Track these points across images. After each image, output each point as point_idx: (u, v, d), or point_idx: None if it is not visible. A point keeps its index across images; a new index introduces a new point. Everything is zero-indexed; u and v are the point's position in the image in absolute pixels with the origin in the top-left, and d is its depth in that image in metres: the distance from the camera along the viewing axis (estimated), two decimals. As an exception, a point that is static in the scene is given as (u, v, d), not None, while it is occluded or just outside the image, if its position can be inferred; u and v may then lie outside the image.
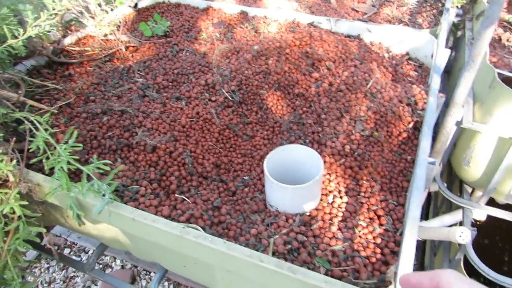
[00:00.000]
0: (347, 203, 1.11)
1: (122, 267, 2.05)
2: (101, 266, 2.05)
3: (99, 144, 1.26)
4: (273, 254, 0.97)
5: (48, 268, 2.07)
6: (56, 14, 1.57)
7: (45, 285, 1.99)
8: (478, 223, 1.82)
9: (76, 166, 0.99)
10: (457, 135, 1.62)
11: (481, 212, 1.53)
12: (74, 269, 1.94)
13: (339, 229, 1.04)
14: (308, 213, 1.08)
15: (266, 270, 0.86)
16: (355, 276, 0.94)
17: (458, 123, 1.37)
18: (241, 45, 1.74)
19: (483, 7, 1.71)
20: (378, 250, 1.00)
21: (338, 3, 2.13)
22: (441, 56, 1.43)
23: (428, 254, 1.94)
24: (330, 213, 1.09)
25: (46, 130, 1.14)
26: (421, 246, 2.02)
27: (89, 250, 2.13)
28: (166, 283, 1.96)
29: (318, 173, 1.02)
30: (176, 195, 1.17)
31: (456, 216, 1.61)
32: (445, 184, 1.63)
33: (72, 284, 2.00)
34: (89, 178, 1.00)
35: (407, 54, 1.81)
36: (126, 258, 2.04)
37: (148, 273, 2.01)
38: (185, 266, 1.18)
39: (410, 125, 1.35)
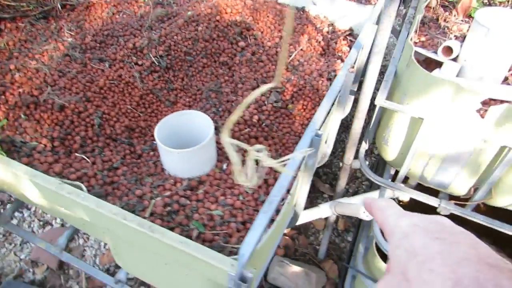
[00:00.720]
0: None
1: (62, 225, 2.10)
2: (41, 223, 2.10)
3: (6, 100, 1.25)
4: (151, 214, 1.00)
5: (-11, 222, 2.11)
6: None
7: (-16, 237, 2.05)
8: (401, 203, 1.87)
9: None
10: (380, 113, 1.63)
11: (398, 192, 1.56)
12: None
13: (224, 195, 1.07)
14: (198, 178, 1.10)
15: (128, 228, 0.89)
16: (226, 240, 0.97)
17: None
18: (179, 11, 1.71)
19: (425, -15, 1.68)
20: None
21: (289, -28, 2.07)
22: (366, 31, 1.42)
23: (360, 232, 1.99)
24: (219, 179, 1.11)
25: None
26: (358, 224, 2.07)
27: (31, 207, 2.17)
28: (102, 243, 2.01)
29: (205, 140, 1.04)
30: (77, 154, 1.18)
31: (375, 194, 1.65)
32: (367, 162, 1.65)
33: (12, 238, 2.05)
34: None
35: (350, 29, 1.79)
36: (42, 210, 2.08)
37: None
38: (83, 224, 1.21)
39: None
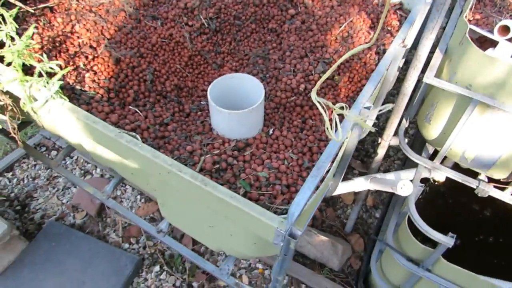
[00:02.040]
0: (285, 137, 1.17)
1: (102, 176, 2.22)
2: (82, 171, 2.23)
3: (67, 49, 1.31)
4: (201, 170, 1.05)
5: (35, 165, 2.25)
6: None
7: (30, 179, 2.19)
8: (437, 183, 1.87)
9: (31, 62, 1.06)
10: (426, 91, 1.61)
11: (435, 172, 1.57)
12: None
13: (270, 158, 1.11)
14: (245, 140, 1.15)
15: (183, 179, 0.94)
16: (271, 201, 1.02)
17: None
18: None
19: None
20: (301, 182, 1.07)
21: None
22: (418, 7, 1.38)
23: (390, 208, 2.01)
24: (265, 143, 1.15)
25: (14, 24, 1.19)
26: (388, 201, 2.09)
27: (74, 156, 2.29)
28: (138, 196, 2.12)
29: (256, 103, 1.07)
30: (130, 107, 1.24)
31: (411, 172, 1.66)
32: (406, 140, 1.65)
33: (55, 182, 2.19)
34: (41, 75, 1.07)
35: (400, 3, 1.74)
36: (106, 169, 2.20)
37: (124, 185, 2.17)
38: (132, 174, 1.28)
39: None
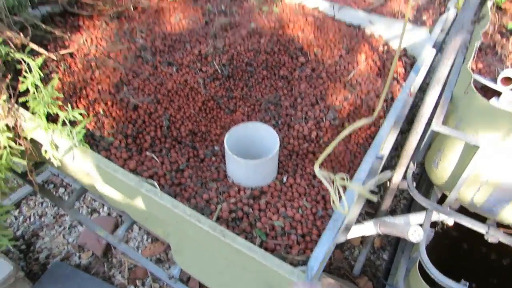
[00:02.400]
0: (299, 184, 1.19)
1: (109, 214, 2.22)
2: (89, 210, 2.22)
3: (87, 95, 1.36)
4: (218, 219, 1.07)
5: (42, 202, 2.25)
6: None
7: (37, 217, 2.18)
8: (446, 227, 1.88)
9: (55, 111, 1.10)
10: (433, 136, 1.65)
11: (443, 216, 1.58)
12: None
13: (284, 206, 1.13)
14: (259, 188, 1.17)
15: (201, 229, 0.96)
16: (287, 251, 1.03)
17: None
18: (241, 21, 1.78)
19: (485, 11, 1.69)
20: (316, 232, 1.08)
21: (349, -10, 2.12)
22: (425, 55, 1.44)
23: (399, 251, 2.00)
24: (280, 191, 1.17)
25: (39, 73, 1.24)
26: (395, 243, 2.08)
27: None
28: (145, 236, 2.11)
29: (271, 153, 1.10)
30: (147, 153, 1.27)
31: (420, 216, 1.67)
32: (414, 184, 1.67)
33: (61, 221, 2.18)
34: (64, 123, 1.11)
35: (405, 50, 1.81)
36: (115, 209, 2.20)
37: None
38: (147, 219, 1.29)
39: (382, 121, 1.40)
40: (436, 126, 1.37)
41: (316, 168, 0.83)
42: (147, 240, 2.10)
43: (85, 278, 1.89)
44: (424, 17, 1.91)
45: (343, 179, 0.77)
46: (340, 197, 0.80)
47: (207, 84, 1.55)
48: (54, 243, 2.10)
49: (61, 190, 2.34)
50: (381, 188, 2.10)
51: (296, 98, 1.46)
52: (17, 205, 2.24)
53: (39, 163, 1.68)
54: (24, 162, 1.22)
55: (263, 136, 1.22)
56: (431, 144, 1.63)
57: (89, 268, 2.00)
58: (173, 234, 1.19)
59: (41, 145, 1.31)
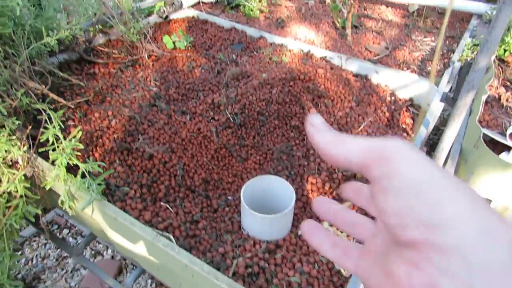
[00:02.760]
0: (314, 238, 1.19)
1: (112, 257, 2.18)
2: (92, 252, 2.19)
3: (103, 144, 1.38)
4: (234, 274, 1.06)
5: (45, 244, 2.22)
6: (89, 17, 1.73)
7: (39, 259, 2.14)
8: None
9: (75, 162, 1.12)
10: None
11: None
12: (68, 250, 2.07)
13: (300, 261, 1.12)
14: (275, 241, 1.17)
15: (219, 287, 0.95)
16: (304, 309, 1.02)
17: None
18: (252, 70, 1.85)
19: (489, 64, 1.76)
20: (332, 288, 1.07)
21: (354, 41, 2.21)
22: (433, 109, 1.49)
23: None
24: (295, 245, 1.17)
25: (60, 124, 1.27)
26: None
27: (85, 235, 2.27)
28: (149, 281, 2.07)
29: (288, 208, 1.11)
30: (161, 203, 1.28)
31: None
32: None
33: (64, 263, 2.14)
34: (84, 175, 1.12)
35: (411, 100, 1.87)
36: (122, 254, 2.17)
37: (134, 267, 2.12)
38: (158, 270, 1.28)
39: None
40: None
41: (325, 223, 0.85)
42: (151, 285, 2.06)
43: (87, 326, 1.83)
44: (429, 68, 1.99)
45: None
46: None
47: (220, 132, 1.59)
48: (56, 287, 2.04)
49: (65, 231, 2.32)
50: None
51: (308, 149, 1.49)
52: (20, 246, 2.21)
53: (49, 208, 1.68)
54: (38, 211, 1.23)
55: (279, 189, 1.23)
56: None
57: (91, 315, 1.94)
58: (185, 286, 1.17)
59: (58, 196, 1.32)
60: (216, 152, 1.55)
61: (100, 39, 1.97)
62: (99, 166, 1.13)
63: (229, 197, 1.39)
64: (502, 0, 0.83)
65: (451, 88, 1.78)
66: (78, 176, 1.10)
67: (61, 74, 1.69)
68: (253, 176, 1.48)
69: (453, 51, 2.15)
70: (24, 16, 1.46)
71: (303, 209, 1.30)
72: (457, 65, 1.72)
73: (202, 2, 2.57)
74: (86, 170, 1.12)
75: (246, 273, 1.06)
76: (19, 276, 2.07)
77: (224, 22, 2.30)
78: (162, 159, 1.39)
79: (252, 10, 2.40)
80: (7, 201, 1.15)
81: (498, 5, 0.87)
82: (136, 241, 1.11)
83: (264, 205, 1.24)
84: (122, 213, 1.10)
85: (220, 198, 1.39)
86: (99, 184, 1.09)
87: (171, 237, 1.09)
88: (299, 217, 1.27)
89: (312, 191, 1.31)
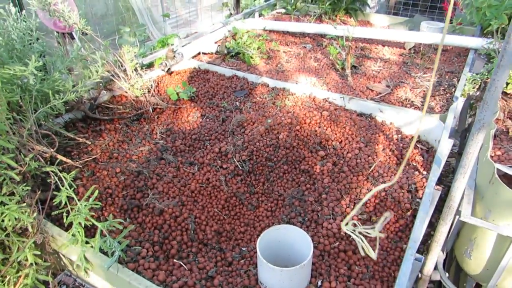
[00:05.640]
0: (335, 288, 1.14)
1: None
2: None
3: (113, 202, 1.37)
4: (255, 334, 1.01)
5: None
6: (94, 78, 1.78)
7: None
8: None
9: (92, 222, 1.10)
10: (460, 224, 1.62)
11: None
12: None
13: (323, 315, 1.07)
14: (295, 295, 1.12)
15: None
16: None
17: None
18: (257, 116, 1.86)
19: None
20: None
21: (355, 81, 2.25)
22: (444, 147, 1.48)
23: None
24: (316, 298, 1.12)
25: (70, 186, 1.26)
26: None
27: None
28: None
29: (306, 259, 1.07)
30: (174, 260, 1.24)
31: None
32: (447, 274, 1.61)
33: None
34: (101, 234, 1.10)
35: (418, 136, 1.87)
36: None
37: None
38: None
39: (409, 213, 1.39)
40: (466, 217, 1.36)
41: (343, 225, 0.83)
42: None
43: None
44: (432, 104, 2.01)
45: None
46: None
47: (229, 181, 1.57)
48: None
49: (74, 291, 2.24)
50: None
51: (320, 193, 1.46)
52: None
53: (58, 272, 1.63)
54: (49, 279, 1.19)
55: (295, 238, 1.20)
56: (460, 232, 1.60)
57: None
58: None
59: (67, 259, 1.28)
60: (226, 201, 1.53)
61: (105, 96, 2.01)
62: (119, 223, 1.11)
63: (243, 249, 1.35)
64: (506, 39, 0.85)
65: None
66: (97, 236, 1.08)
67: (67, 134, 1.71)
68: (265, 224, 1.45)
69: (454, 86, 2.18)
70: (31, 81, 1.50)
71: (321, 258, 1.25)
72: (461, 100, 1.74)
73: (203, 52, 2.65)
74: (105, 229, 1.10)
75: (268, 333, 1.00)
76: None
77: (225, 70, 2.36)
78: (173, 213, 1.36)
79: (252, 57, 2.47)
80: (17, 271, 1.12)
81: (503, 44, 0.88)
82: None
83: (280, 255, 1.20)
84: (135, 276, 1.06)
85: (234, 250, 1.35)
86: (119, 242, 1.06)
87: (187, 298, 1.05)
88: (318, 266, 1.22)
89: (328, 236, 1.27)
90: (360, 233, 0.82)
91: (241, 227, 1.47)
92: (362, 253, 0.89)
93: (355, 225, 0.88)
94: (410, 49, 2.73)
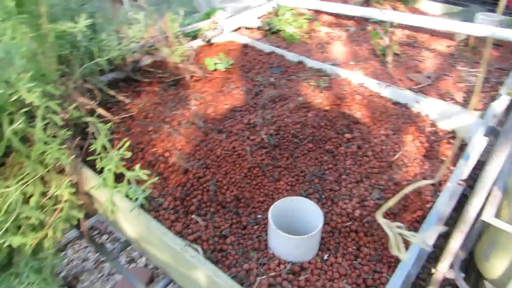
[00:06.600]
0: (340, 264, 1.18)
1: (146, 265, 2.25)
2: (127, 259, 2.28)
3: (143, 157, 1.47)
4: (256, 292, 1.07)
5: (86, 247, 2.35)
6: (137, 39, 1.87)
7: (79, 261, 2.27)
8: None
9: (121, 170, 1.20)
10: (483, 225, 1.58)
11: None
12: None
13: (324, 287, 1.11)
14: (300, 263, 1.17)
15: (241, 303, 0.96)
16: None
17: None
18: (289, 93, 1.89)
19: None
20: (355, 316, 1.05)
21: (394, 69, 2.20)
22: (476, 143, 1.44)
23: None
24: (320, 269, 1.16)
25: (105, 136, 1.37)
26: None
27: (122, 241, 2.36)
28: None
29: (315, 230, 1.11)
30: (193, 216, 1.33)
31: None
32: (462, 274, 1.58)
33: (101, 267, 2.24)
34: (129, 182, 1.20)
35: (453, 131, 1.81)
36: (154, 263, 2.24)
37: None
38: (185, 280, 1.31)
39: (428, 205, 1.38)
40: (488, 217, 1.32)
41: (378, 216, 0.87)
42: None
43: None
44: (474, 100, 1.93)
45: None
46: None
47: (254, 152, 1.62)
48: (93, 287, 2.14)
49: (104, 237, 2.44)
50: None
51: (341, 174, 1.48)
52: (64, 247, 2.36)
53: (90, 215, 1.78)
54: (81, 215, 1.31)
55: (308, 211, 1.24)
56: (483, 232, 1.56)
57: (121, 321, 2.00)
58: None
59: (99, 203, 1.40)
60: (249, 171, 1.58)
61: (147, 60, 2.10)
62: (144, 174, 1.20)
63: (258, 216, 1.41)
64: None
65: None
66: (125, 183, 1.18)
67: (110, 91, 1.82)
68: (284, 196, 1.50)
69: (502, 84, 2.07)
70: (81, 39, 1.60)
71: (331, 234, 1.29)
72: (505, 98, 1.66)
73: (245, 27, 2.68)
74: (132, 178, 1.19)
75: (268, 292, 1.07)
76: (61, 275, 2.20)
77: (264, 46, 2.38)
78: (197, 174, 1.44)
79: (292, 36, 2.47)
80: (54, 204, 1.25)
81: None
82: (166, 250, 1.16)
83: (292, 226, 1.24)
84: (154, 222, 1.15)
85: (250, 216, 1.42)
86: (143, 191, 1.16)
87: (199, 248, 1.13)
88: (326, 241, 1.26)
89: (341, 215, 1.30)
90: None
91: (260, 197, 1.53)
92: (393, 252, 0.92)
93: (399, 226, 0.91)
94: (460, 41, 2.60)
